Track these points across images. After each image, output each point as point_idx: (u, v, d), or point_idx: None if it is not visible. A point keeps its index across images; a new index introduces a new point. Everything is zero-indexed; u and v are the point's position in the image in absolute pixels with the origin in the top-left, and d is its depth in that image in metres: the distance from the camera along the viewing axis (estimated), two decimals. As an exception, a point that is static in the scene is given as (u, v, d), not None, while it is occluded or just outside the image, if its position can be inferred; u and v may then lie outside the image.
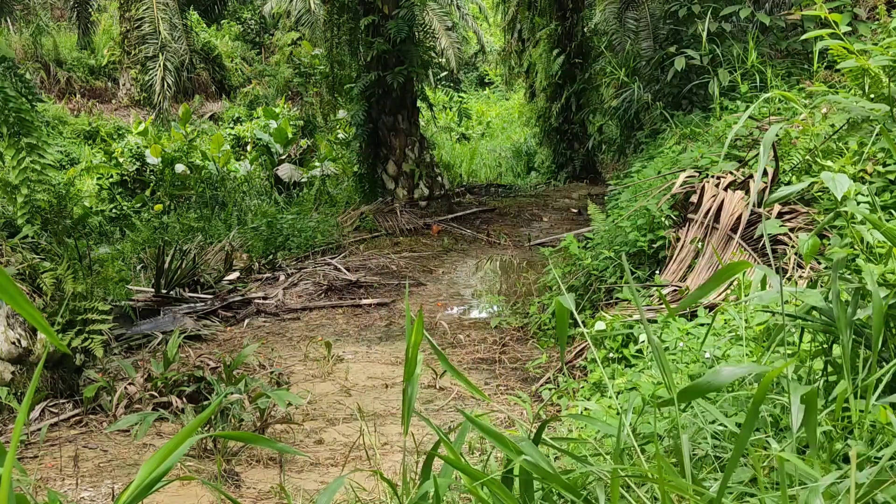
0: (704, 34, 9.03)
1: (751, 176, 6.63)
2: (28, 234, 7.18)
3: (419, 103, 15.03)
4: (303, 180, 17.28)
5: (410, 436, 4.68)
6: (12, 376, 6.20)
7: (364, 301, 9.84)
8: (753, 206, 6.33)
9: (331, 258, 11.95)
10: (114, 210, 15.29)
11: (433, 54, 16.04)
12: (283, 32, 26.46)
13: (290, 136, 18.77)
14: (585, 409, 4.55)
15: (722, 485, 2.05)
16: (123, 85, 24.51)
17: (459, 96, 28.47)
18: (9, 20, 20.71)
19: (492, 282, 10.93)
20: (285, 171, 17.63)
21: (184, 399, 6.03)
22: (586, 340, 5.96)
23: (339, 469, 5.15)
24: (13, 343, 6.21)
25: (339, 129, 18.95)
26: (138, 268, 11.12)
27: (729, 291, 5.46)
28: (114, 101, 24.65)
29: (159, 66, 15.34)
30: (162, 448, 1.91)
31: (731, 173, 6.89)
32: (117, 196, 15.81)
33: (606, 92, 15.01)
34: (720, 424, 2.83)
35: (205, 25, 26.21)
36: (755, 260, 6.00)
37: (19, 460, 5.25)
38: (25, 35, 24.28)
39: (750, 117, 7.23)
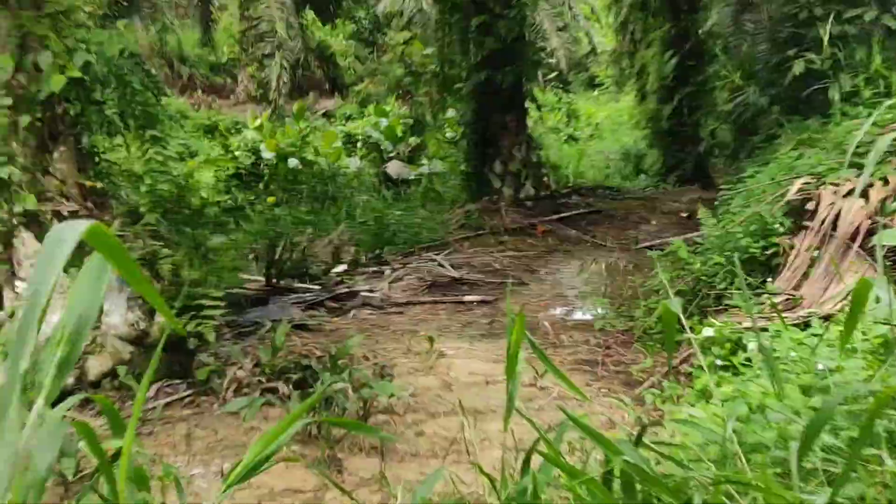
0: (826, 37, 8.69)
1: (871, 184, 6.37)
2: (150, 221, 7.51)
3: (527, 103, 15.00)
4: (411, 177, 17.50)
5: (510, 432, 4.69)
6: (130, 356, 6.51)
7: (467, 298, 9.89)
8: (874, 214, 6.08)
9: (435, 254, 12.05)
10: (229, 201, 15.82)
11: (543, 55, 15.99)
12: (396, 31, 26.84)
13: (399, 133, 19.03)
14: (690, 415, 4.46)
15: (831, 498, 1.99)
16: (241, 81, 25.33)
17: (568, 97, 28.26)
18: (137, 18, 21.69)
19: (596, 284, 10.80)
20: (394, 167, 17.89)
21: (290, 386, 6.19)
22: (693, 346, 5.84)
23: (439, 461, 5.19)
24: (132, 325, 6.53)
25: (448, 128, 19.10)
26: (250, 258, 11.48)
27: (845, 302, 5.26)
28: (232, 97, 25.51)
29: (276, 63, 15.77)
30: (269, 431, 1.99)
31: (849, 181, 6.63)
32: (233, 188, 16.36)
33: (720, 95, 14.63)
34: (832, 438, 2.74)
35: (320, 24, 26.83)
36: (875, 271, 5.76)
37: (137, 436, 5.51)
38: (152, 32, 25.37)
39: (873, 124, 6.94)
